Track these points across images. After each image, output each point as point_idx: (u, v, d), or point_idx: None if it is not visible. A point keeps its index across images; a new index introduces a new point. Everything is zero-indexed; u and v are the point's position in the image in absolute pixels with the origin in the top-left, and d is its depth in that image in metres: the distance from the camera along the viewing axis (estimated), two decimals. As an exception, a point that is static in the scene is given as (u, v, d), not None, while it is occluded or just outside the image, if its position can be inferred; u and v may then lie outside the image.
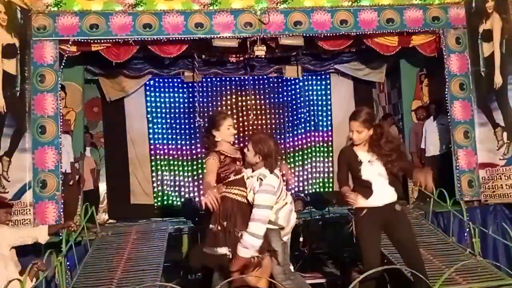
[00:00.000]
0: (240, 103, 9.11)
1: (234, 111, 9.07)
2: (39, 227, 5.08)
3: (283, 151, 9.21)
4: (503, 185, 6.06)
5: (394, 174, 3.78)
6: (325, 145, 9.25)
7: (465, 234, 5.41)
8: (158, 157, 8.80)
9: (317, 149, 9.24)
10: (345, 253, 6.55)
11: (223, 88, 9.10)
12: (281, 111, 9.26)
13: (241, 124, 9.09)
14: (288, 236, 4.16)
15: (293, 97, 9.30)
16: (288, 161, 9.22)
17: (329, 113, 9.29)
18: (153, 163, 8.76)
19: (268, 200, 3.68)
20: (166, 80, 8.84)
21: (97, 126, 8.57)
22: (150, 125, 8.80)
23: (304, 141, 9.25)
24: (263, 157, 3.74)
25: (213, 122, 3.85)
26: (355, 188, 3.78)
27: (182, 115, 8.91)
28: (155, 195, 8.70)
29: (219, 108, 8.91)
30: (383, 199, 3.70)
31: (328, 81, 9.30)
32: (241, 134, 9.06)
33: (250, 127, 9.12)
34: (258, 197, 3.65)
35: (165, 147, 8.84)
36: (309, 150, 9.24)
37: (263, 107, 9.18)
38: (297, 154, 9.24)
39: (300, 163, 9.20)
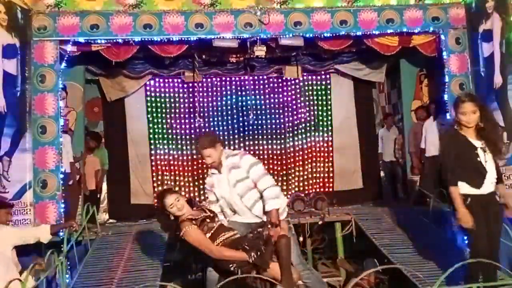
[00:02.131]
0: (240, 103, 9.11)
1: (234, 111, 9.08)
2: (41, 227, 5.10)
3: (283, 151, 9.23)
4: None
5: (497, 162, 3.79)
6: (325, 145, 9.25)
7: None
8: (158, 157, 8.79)
9: (317, 149, 9.24)
10: (345, 253, 6.56)
11: (223, 88, 9.09)
12: (281, 111, 9.26)
13: (241, 124, 9.10)
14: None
15: (293, 97, 9.29)
16: (288, 161, 9.23)
17: (329, 113, 9.29)
18: (153, 163, 8.76)
19: (254, 159, 4.08)
20: (166, 80, 8.84)
21: (98, 126, 8.57)
22: (150, 125, 8.80)
23: (304, 141, 9.25)
24: (217, 142, 4.02)
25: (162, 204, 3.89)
26: (468, 173, 3.73)
27: (182, 115, 8.90)
28: (155, 195, 8.69)
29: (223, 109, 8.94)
30: (490, 187, 3.74)
31: (328, 81, 9.29)
32: (241, 134, 9.08)
33: (250, 127, 9.13)
34: (246, 161, 3.97)
35: (165, 147, 8.84)
36: (309, 150, 9.23)
37: (263, 107, 9.18)
38: (297, 154, 9.24)
39: (301, 163, 9.19)
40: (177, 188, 8.76)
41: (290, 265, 3.74)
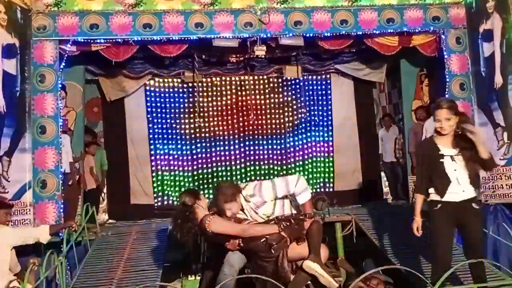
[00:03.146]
0: (240, 103, 9.10)
1: (234, 111, 9.07)
2: (40, 227, 5.08)
3: (283, 151, 9.22)
4: (504, 185, 6.05)
5: (474, 169, 3.74)
6: (325, 145, 9.25)
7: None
8: (158, 157, 8.79)
9: (317, 149, 9.24)
10: (345, 253, 6.54)
11: (223, 88, 9.09)
12: (281, 111, 9.25)
13: (241, 124, 9.09)
14: None
15: (293, 97, 9.29)
16: (288, 161, 9.23)
17: (329, 113, 9.28)
18: (153, 163, 8.75)
19: (269, 185, 4.04)
20: (166, 80, 8.83)
21: (97, 126, 8.56)
22: (150, 125, 8.79)
23: (304, 141, 9.24)
24: (238, 192, 3.98)
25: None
26: (434, 181, 3.75)
27: (182, 115, 8.90)
28: (155, 195, 8.70)
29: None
30: (461, 194, 3.69)
31: (328, 81, 9.29)
32: (241, 134, 9.07)
33: (250, 127, 9.12)
34: (267, 193, 3.97)
35: (165, 147, 8.83)
36: (309, 150, 9.23)
37: (263, 107, 9.18)
38: (297, 154, 9.24)
39: (301, 163, 9.19)
40: (176, 188, 8.78)
41: (320, 246, 3.80)
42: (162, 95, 8.87)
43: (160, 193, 8.71)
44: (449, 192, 3.71)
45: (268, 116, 9.20)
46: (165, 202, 8.71)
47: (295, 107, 9.25)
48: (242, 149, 9.12)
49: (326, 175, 9.15)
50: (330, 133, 9.21)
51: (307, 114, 9.25)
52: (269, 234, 3.71)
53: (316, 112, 9.26)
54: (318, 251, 3.76)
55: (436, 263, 3.70)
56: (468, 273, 4.08)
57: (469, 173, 3.69)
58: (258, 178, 9.13)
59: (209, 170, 8.95)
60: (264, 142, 9.15)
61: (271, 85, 9.22)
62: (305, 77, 9.06)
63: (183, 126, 8.89)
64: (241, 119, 9.07)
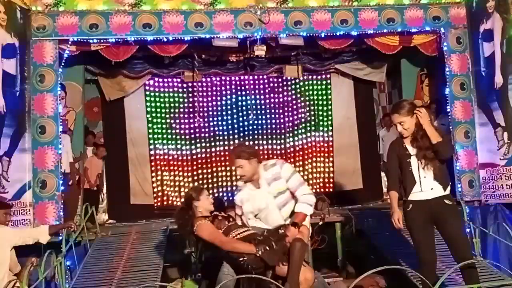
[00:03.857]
0: (240, 103, 9.10)
1: (234, 111, 9.07)
2: (40, 227, 5.08)
3: (283, 151, 9.22)
4: (504, 185, 6.05)
5: (439, 167, 3.75)
6: (325, 145, 9.24)
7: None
8: (158, 157, 8.78)
9: (318, 149, 9.23)
10: (345, 253, 6.53)
11: (223, 88, 9.08)
12: (281, 111, 9.24)
13: (241, 124, 9.09)
14: None
15: (293, 97, 9.29)
16: (288, 161, 9.21)
17: (329, 113, 9.28)
18: (153, 163, 8.75)
19: (292, 168, 4.17)
20: (166, 80, 8.83)
21: (97, 126, 8.56)
22: (150, 125, 8.79)
23: (304, 141, 9.24)
24: (254, 157, 3.90)
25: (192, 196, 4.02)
26: (403, 181, 3.79)
27: (182, 115, 8.89)
28: (155, 195, 8.69)
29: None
30: (430, 192, 3.71)
31: (328, 81, 9.28)
32: (241, 134, 9.06)
33: (250, 127, 9.12)
34: (287, 170, 3.93)
35: (165, 147, 8.83)
36: (310, 150, 9.22)
37: (263, 107, 9.17)
38: (297, 154, 9.23)
39: (301, 163, 9.18)
40: (176, 188, 8.78)
41: (299, 269, 3.66)
42: (162, 95, 8.86)
43: (160, 193, 8.71)
44: (416, 192, 3.74)
45: (268, 116, 9.19)
46: (165, 202, 8.70)
47: (295, 107, 9.24)
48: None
49: (326, 175, 9.15)
50: (330, 133, 9.20)
51: (307, 114, 9.25)
52: (247, 254, 3.65)
53: (316, 112, 9.26)
54: (296, 277, 3.63)
55: (421, 264, 3.70)
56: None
57: (433, 170, 3.71)
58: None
59: (209, 170, 8.94)
60: (264, 142, 9.15)
61: (271, 85, 9.22)
62: (305, 77, 9.06)
63: (183, 126, 8.89)
64: (241, 119, 9.06)
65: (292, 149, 9.24)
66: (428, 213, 3.72)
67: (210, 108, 8.99)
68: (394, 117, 3.83)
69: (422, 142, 3.73)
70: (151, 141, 8.78)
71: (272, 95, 9.20)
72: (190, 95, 8.85)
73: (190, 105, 8.86)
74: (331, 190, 8.94)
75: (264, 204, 3.92)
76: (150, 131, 8.78)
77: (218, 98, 9.05)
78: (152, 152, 8.75)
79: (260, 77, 9.05)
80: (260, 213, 3.98)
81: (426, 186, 3.72)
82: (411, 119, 3.77)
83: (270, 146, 9.16)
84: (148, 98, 8.79)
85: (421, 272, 3.46)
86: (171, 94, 8.89)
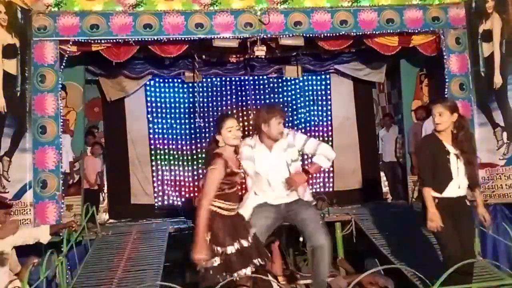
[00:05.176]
0: (240, 103, 9.11)
1: (234, 111, 9.07)
2: (40, 227, 5.09)
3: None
4: (503, 185, 6.07)
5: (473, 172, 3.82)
6: (325, 145, 9.24)
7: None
8: (158, 157, 8.79)
9: (317, 149, 9.23)
10: (345, 253, 6.55)
11: (223, 88, 9.10)
12: (281, 111, 9.24)
13: (241, 124, 9.08)
14: None
15: (293, 97, 9.30)
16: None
17: (329, 113, 9.29)
18: (153, 163, 8.76)
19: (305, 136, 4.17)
20: (166, 80, 8.84)
21: (98, 126, 8.57)
22: (150, 125, 8.80)
23: (304, 141, 9.24)
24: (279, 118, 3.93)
25: (216, 125, 3.69)
26: (436, 176, 3.76)
27: (182, 115, 8.90)
28: (155, 195, 8.71)
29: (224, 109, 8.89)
30: (457, 191, 3.75)
31: (328, 81, 9.30)
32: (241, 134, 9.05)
33: (250, 127, 9.12)
34: (301, 138, 4.02)
35: (165, 147, 8.84)
36: (309, 150, 9.23)
37: (263, 107, 9.17)
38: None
39: (301, 163, 9.18)
40: (177, 188, 8.80)
41: None
42: (162, 95, 8.88)
43: (160, 193, 8.72)
44: (452, 188, 3.76)
45: (268, 116, 9.18)
46: (166, 202, 8.72)
47: (295, 107, 9.26)
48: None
49: (326, 175, 9.16)
50: (330, 133, 9.21)
51: (307, 114, 9.26)
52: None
53: (316, 112, 9.27)
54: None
55: (445, 254, 3.69)
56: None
57: (468, 172, 3.76)
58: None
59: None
60: (264, 142, 9.15)
61: (271, 85, 9.23)
62: (305, 77, 9.07)
63: (183, 126, 8.90)
64: (241, 119, 9.08)
65: (292, 149, 9.23)
66: (450, 210, 3.75)
67: (210, 108, 9.00)
68: (436, 107, 3.78)
69: (462, 144, 3.76)
70: (152, 141, 8.79)
71: (272, 95, 9.21)
72: (190, 95, 8.87)
73: (190, 105, 8.88)
74: (331, 190, 8.96)
75: (272, 171, 3.90)
76: (151, 131, 8.80)
77: (218, 98, 9.07)
78: (152, 152, 8.77)
79: (260, 77, 9.06)
80: (264, 174, 3.90)
81: (457, 184, 3.76)
82: (450, 116, 3.76)
83: (270, 146, 9.16)
84: (148, 99, 8.80)
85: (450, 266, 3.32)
86: (171, 95, 8.90)
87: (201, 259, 3.23)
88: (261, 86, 9.20)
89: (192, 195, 8.76)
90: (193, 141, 8.90)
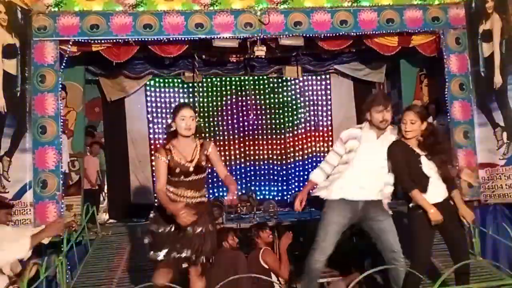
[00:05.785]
0: (240, 103, 9.12)
1: (234, 111, 9.09)
2: (40, 227, 5.08)
3: (283, 151, 9.23)
4: (503, 185, 6.06)
5: (448, 172, 3.81)
6: (325, 145, 9.26)
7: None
8: (158, 157, 8.79)
9: (317, 149, 9.25)
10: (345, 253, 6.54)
11: (223, 88, 9.11)
12: (281, 111, 9.26)
13: (241, 124, 9.11)
14: None
15: (293, 97, 9.31)
16: (288, 161, 9.23)
17: (329, 113, 9.30)
18: (153, 163, 8.76)
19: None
20: (166, 80, 8.85)
21: (98, 126, 8.58)
22: (150, 125, 8.82)
23: (304, 141, 9.25)
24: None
25: (172, 112, 3.78)
26: (413, 180, 3.74)
27: (182, 115, 8.90)
28: (155, 194, 8.70)
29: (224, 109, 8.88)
30: (440, 195, 3.72)
31: (328, 81, 9.31)
32: (241, 134, 9.08)
33: (250, 127, 9.13)
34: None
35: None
36: (309, 150, 9.24)
37: (263, 107, 9.19)
38: (297, 154, 9.25)
39: (301, 163, 9.20)
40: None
41: None
42: (163, 95, 8.89)
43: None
44: (430, 194, 3.70)
45: (268, 116, 9.21)
46: (166, 202, 8.70)
47: (295, 107, 9.26)
48: (242, 149, 9.13)
49: (326, 175, 9.14)
50: (330, 133, 9.22)
51: (307, 114, 9.26)
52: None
53: (316, 112, 9.28)
54: None
55: (417, 263, 3.65)
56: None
57: (442, 173, 3.75)
58: (258, 178, 9.15)
59: (209, 170, 8.93)
60: (264, 142, 9.17)
61: (271, 85, 9.24)
62: (305, 77, 9.08)
63: (183, 126, 8.89)
64: (241, 119, 9.08)
65: (292, 149, 9.25)
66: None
67: (210, 108, 9.01)
68: (409, 114, 3.85)
69: (432, 148, 3.78)
70: (152, 141, 8.81)
71: (272, 95, 9.22)
72: (190, 95, 8.87)
73: (190, 105, 8.87)
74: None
75: (375, 153, 3.89)
76: (151, 131, 8.81)
77: (218, 98, 9.08)
78: (152, 152, 8.77)
79: (260, 77, 9.07)
80: (363, 157, 3.89)
81: (438, 187, 3.72)
82: (421, 125, 3.82)
83: (270, 146, 9.18)
84: (148, 99, 8.82)
85: (415, 269, 3.40)
86: (171, 95, 8.91)
87: (178, 209, 3.42)
88: (261, 86, 9.22)
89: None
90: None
